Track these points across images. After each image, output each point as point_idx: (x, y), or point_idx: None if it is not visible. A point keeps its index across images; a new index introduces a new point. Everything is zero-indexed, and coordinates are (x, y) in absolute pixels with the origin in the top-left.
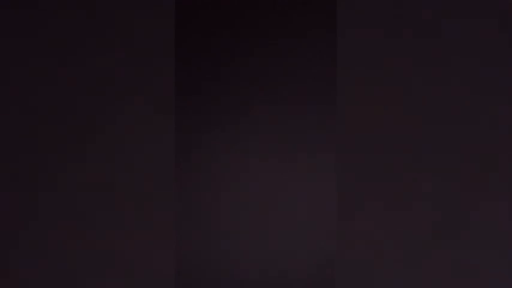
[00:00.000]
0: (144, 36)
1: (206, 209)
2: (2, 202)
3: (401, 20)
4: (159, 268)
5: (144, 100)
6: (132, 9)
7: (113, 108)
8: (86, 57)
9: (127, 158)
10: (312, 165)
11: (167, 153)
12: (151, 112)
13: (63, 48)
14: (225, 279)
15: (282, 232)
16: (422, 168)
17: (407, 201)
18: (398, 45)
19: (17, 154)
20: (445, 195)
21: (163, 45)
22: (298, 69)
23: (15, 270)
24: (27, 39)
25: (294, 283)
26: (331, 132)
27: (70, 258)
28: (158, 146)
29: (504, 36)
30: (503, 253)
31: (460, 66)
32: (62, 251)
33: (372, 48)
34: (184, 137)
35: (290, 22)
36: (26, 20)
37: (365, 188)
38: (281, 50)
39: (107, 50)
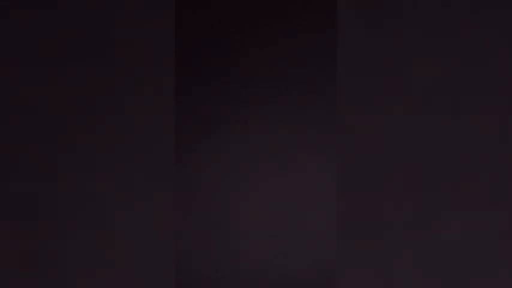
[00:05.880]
0: (144, 36)
1: (206, 209)
2: (3, 201)
3: (401, 20)
4: (159, 268)
5: (144, 100)
6: (132, 9)
7: (113, 108)
8: (86, 57)
9: (127, 157)
10: (312, 165)
11: (167, 153)
12: (152, 112)
13: (63, 48)
14: (225, 279)
15: (282, 232)
16: (422, 168)
17: (407, 201)
18: (398, 45)
19: (17, 154)
20: (445, 194)
21: (163, 45)
22: (298, 69)
23: (14, 270)
24: (26, 39)
25: (294, 283)
26: (331, 132)
27: (70, 257)
28: (158, 146)
29: (505, 35)
30: (505, 256)
31: (461, 66)
32: (62, 251)
33: (372, 48)
34: (184, 137)
35: (290, 22)
36: (26, 21)
37: (365, 187)
38: (281, 50)
39: (107, 50)
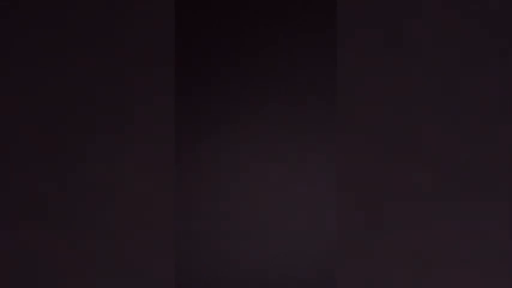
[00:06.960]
0: (144, 36)
1: (206, 209)
2: (2, 201)
3: (401, 20)
4: (159, 268)
5: (144, 100)
6: (132, 9)
7: (113, 108)
8: (86, 57)
9: (127, 158)
10: (312, 165)
11: (167, 153)
12: (152, 112)
13: (63, 48)
14: (224, 279)
15: (282, 232)
16: (422, 168)
17: (407, 201)
18: (398, 46)
19: (17, 153)
20: (445, 195)
21: (163, 45)
22: (298, 69)
23: (15, 270)
24: (26, 39)
25: (294, 283)
26: (331, 132)
27: (70, 258)
28: (158, 146)
29: (502, 37)
30: (504, 257)
31: (461, 66)
32: (62, 251)
33: (372, 48)
34: (184, 137)
35: (290, 22)
36: (26, 21)
37: (365, 187)
38: (281, 50)
39: (106, 50)
